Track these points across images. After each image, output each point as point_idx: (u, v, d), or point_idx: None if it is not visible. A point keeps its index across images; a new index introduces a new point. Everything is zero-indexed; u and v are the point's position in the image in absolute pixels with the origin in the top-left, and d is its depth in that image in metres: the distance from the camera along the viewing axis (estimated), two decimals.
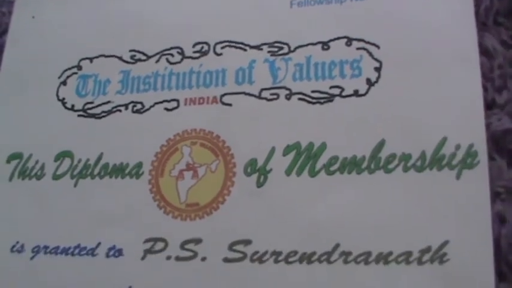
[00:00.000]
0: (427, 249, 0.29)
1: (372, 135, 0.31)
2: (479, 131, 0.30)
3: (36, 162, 0.37)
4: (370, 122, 0.31)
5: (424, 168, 0.30)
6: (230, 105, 0.34)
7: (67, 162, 0.36)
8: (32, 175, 0.37)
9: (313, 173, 0.32)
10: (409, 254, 0.29)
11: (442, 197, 0.30)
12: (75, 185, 0.36)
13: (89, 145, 0.36)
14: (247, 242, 0.32)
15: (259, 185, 0.32)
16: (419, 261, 0.29)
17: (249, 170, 0.33)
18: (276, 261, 0.31)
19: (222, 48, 0.35)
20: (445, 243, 0.29)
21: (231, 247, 0.32)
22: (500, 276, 0.29)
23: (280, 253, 0.31)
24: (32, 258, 0.35)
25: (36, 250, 0.35)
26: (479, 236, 0.29)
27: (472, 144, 0.30)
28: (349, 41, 0.33)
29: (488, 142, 0.30)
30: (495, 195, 0.30)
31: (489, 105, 0.31)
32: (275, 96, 0.34)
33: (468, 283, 0.28)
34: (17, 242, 0.36)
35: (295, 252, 0.31)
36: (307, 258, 0.31)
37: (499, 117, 0.31)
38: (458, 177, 0.29)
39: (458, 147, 0.30)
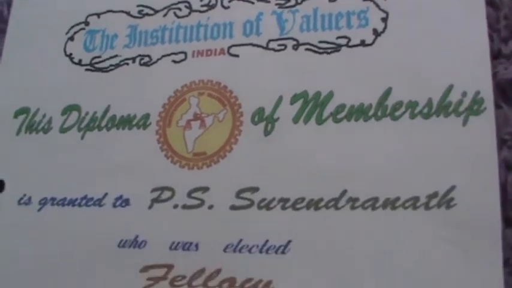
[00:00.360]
0: (434, 195, 0.29)
1: (378, 84, 0.31)
2: (486, 79, 0.30)
3: (44, 116, 0.37)
4: (376, 71, 0.32)
5: (431, 115, 0.30)
6: (237, 56, 0.34)
7: (74, 115, 0.36)
8: (39, 129, 0.37)
9: (320, 121, 0.32)
10: (416, 199, 0.29)
11: (448, 143, 0.30)
12: (82, 138, 0.36)
13: (96, 98, 0.36)
14: (255, 190, 0.32)
15: (267, 133, 0.33)
16: (427, 206, 0.29)
17: (256, 119, 0.33)
18: (284, 207, 0.31)
19: (230, 1, 0.35)
20: (452, 188, 0.29)
21: (238, 195, 0.32)
22: (506, 222, 0.29)
23: (287, 200, 0.31)
24: (39, 210, 0.36)
25: (43, 202, 0.36)
26: (486, 182, 0.29)
27: (478, 91, 0.30)
28: None
29: (494, 91, 0.30)
30: (502, 143, 0.30)
31: (495, 55, 0.31)
32: (282, 47, 0.34)
33: (475, 227, 0.28)
34: (24, 195, 0.36)
35: (303, 199, 0.31)
36: (314, 204, 0.31)
37: (505, 67, 0.31)
38: (464, 123, 0.30)
39: (464, 94, 0.30)
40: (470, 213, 0.29)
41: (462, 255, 0.28)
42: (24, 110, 0.38)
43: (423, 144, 0.30)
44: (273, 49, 0.34)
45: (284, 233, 0.31)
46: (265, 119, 0.33)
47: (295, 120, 0.32)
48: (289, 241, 0.31)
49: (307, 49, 0.33)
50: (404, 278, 0.29)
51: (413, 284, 0.29)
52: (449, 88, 0.30)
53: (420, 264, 0.29)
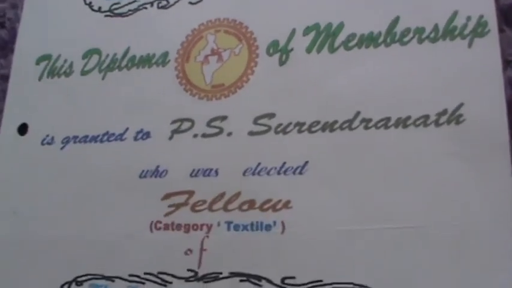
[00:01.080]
0: (444, 112, 0.31)
1: (387, 13, 0.33)
2: (489, 3, 0.32)
3: (65, 61, 0.39)
4: (384, 1, 0.33)
5: (438, 39, 0.32)
6: None
7: (95, 58, 0.38)
8: (60, 73, 0.38)
9: (332, 50, 0.33)
10: (426, 117, 0.31)
11: (455, 64, 0.31)
12: (103, 78, 0.37)
13: (116, 41, 0.38)
14: (272, 116, 0.33)
15: (282, 63, 0.34)
16: (437, 123, 0.31)
17: (271, 51, 0.34)
18: (300, 131, 0.33)
19: None
20: (461, 105, 0.31)
21: (255, 121, 0.33)
22: None
23: (303, 124, 0.33)
24: (62, 148, 0.37)
25: (65, 141, 0.37)
26: (492, 98, 0.30)
27: (482, 15, 0.31)
28: None
29: (497, 16, 0.32)
30: (506, 63, 0.32)
31: None
32: None
33: (484, 141, 0.30)
34: (47, 135, 0.37)
35: (318, 122, 0.32)
36: (329, 126, 0.32)
37: None
38: (470, 45, 0.31)
39: (469, 18, 0.32)
40: (479, 128, 0.30)
41: (472, 168, 0.30)
42: (46, 57, 0.39)
43: (431, 66, 0.32)
44: None
45: (301, 155, 0.32)
46: (280, 50, 0.34)
47: (309, 50, 0.34)
48: (306, 162, 0.32)
49: None
50: (417, 193, 0.30)
51: (426, 198, 0.30)
52: (454, 14, 0.32)
53: (432, 177, 0.30)
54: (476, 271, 0.28)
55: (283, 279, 0.31)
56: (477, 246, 0.29)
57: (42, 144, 0.37)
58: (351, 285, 0.30)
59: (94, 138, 0.36)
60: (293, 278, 0.31)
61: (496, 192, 0.29)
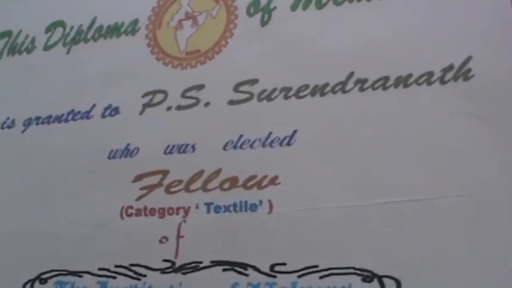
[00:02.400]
0: (450, 68, 0.27)
1: None
2: None
3: (26, 36, 0.35)
4: None
5: None
6: None
7: (59, 31, 0.35)
8: (22, 50, 0.35)
9: (320, 6, 0.30)
10: (430, 74, 0.27)
11: (461, 13, 0.27)
12: (67, 52, 0.34)
13: (81, 11, 0.34)
14: (254, 82, 0.30)
15: (264, 23, 0.30)
16: (442, 81, 0.27)
17: (251, 11, 0.31)
18: (286, 97, 0.29)
19: None
20: (469, 59, 0.27)
21: (236, 88, 0.30)
22: None
23: (290, 89, 0.29)
24: (23, 131, 0.33)
25: (27, 123, 0.33)
26: (504, 50, 0.26)
27: None
28: None
29: None
30: None
31: None
32: None
33: (496, 98, 0.26)
34: (8, 118, 0.34)
35: (307, 86, 0.29)
36: (319, 90, 0.28)
37: None
38: None
39: None
40: (490, 83, 0.26)
41: (485, 129, 0.26)
42: (5, 34, 0.36)
43: (433, 16, 0.28)
44: None
45: (288, 123, 0.28)
46: (261, 10, 0.31)
47: (294, 7, 0.30)
48: (295, 131, 0.28)
49: None
50: (422, 161, 0.26)
51: (432, 166, 0.26)
52: None
53: (439, 143, 0.26)
54: (493, 246, 0.24)
55: (272, 267, 0.27)
56: (493, 218, 0.25)
57: (2, 128, 0.34)
58: (352, 270, 0.26)
59: (58, 118, 0.33)
60: (283, 264, 0.27)
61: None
